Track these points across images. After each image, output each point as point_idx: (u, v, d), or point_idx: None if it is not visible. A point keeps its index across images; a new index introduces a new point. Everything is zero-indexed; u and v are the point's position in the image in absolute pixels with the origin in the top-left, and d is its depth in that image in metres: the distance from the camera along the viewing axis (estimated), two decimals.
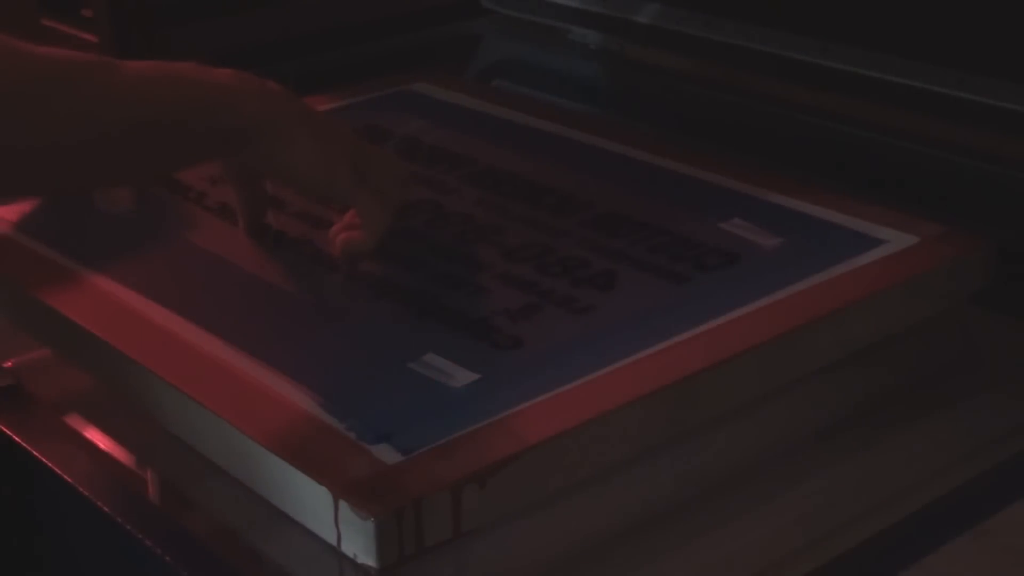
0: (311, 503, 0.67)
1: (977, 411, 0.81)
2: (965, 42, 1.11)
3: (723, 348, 0.76)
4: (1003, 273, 0.87)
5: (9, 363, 0.85)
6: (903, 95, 1.15)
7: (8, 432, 0.79)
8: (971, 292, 0.87)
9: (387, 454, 0.68)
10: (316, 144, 0.81)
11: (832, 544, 0.70)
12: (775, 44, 1.23)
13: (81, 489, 0.76)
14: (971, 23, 1.11)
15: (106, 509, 0.74)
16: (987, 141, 1.11)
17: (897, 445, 0.78)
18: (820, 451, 0.77)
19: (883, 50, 1.16)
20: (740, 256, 0.86)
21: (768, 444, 0.77)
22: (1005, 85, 1.09)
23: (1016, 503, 0.75)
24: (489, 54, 1.49)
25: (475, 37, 1.49)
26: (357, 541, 0.65)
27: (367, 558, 0.65)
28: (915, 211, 0.90)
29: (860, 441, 0.78)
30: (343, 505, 0.65)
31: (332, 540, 0.66)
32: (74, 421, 0.81)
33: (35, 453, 0.78)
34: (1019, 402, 0.82)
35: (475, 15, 1.49)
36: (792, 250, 0.87)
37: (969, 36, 1.11)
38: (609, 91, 1.38)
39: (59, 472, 0.77)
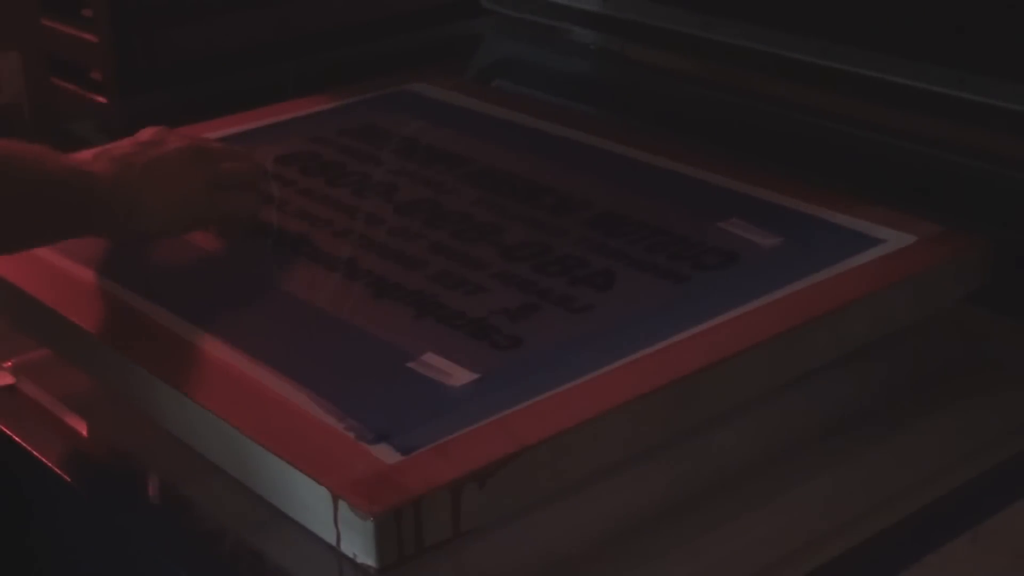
0: (311, 503, 0.67)
1: (977, 411, 0.81)
2: (965, 42, 1.11)
3: (721, 348, 0.76)
4: (1003, 273, 0.87)
5: (9, 363, 0.85)
6: (903, 95, 1.15)
7: (7, 432, 0.79)
8: (970, 292, 0.87)
9: (386, 454, 0.68)
10: (168, 196, 0.85)
11: (832, 544, 0.70)
12: (775, 44, 1.23)
13: (80, 489, 0.76)
14: (971, 23, 1.10)
15: (106, 509, 0.75)
16: (987, 141, 1.11)
17: (897, 445, 0.78)
18: (819, 451, 0.77)
19: (883, 50, 1.16)
20: (739, 255, 0.86)
21: (767, 444, 0.77)
22: (1005, 85, 1.09)
23: (1016, 503, 0.75)
24: (489, 54, 1.49)
25: (475, 37, 1.49)
26: (356, 541, 0.65)
27: (367, 558, 0.65)
28: (914, 211, 0.90)
29: (859, 441, 0.78)
30: (343, 505, 0.65)
31: (332, 540, 0.66)
32: (74, 421, 0.81)
33: (34, 453, 0.78)
34: (1019, 402, 0.82)
35: (475, 15, 1.49)
36: (791, 249, 0.87)
37: (969, 36, 1.11)
38: (609, 91, 1.38)
39: (58, 472, 0.77)
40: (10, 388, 0.83)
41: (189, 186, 0.86)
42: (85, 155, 0.84)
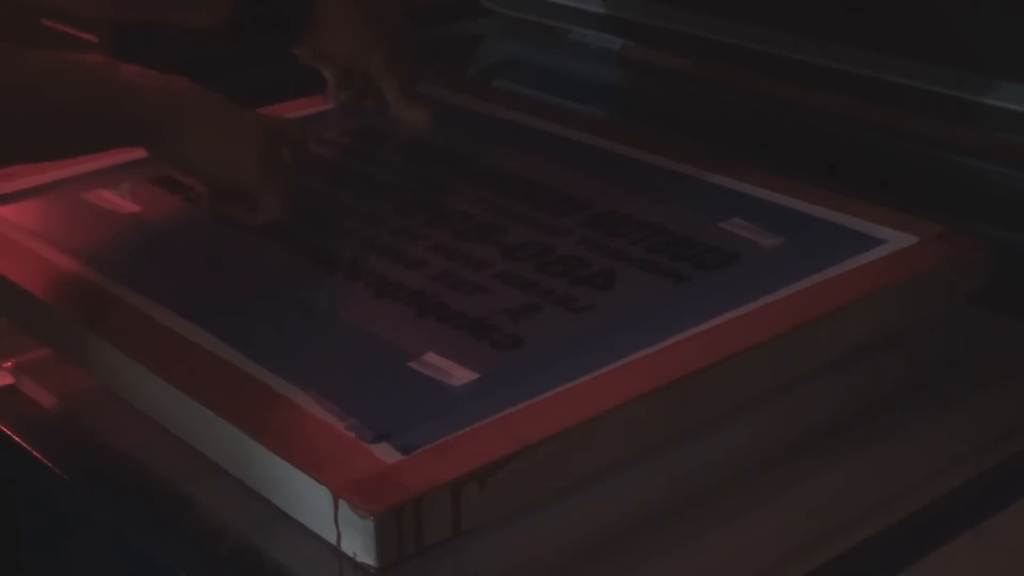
0: (311, 502, 0.67)
1: (977, 411, 0.81)
2: (965, 42, 1.11)
3: (722, 348, 0.76)
4: (1003, 273, 0.87)
5: (9, 363, 0.85)
6: (903, 95, 1.15)
7: (7, 432, 0.79)
8: (970, 292, 0.87)
9: (387, 453, 0.68)
10: (217, 136, 0.87)
11: (832, 544, 0.70)
12: (775, 44, 1.23)
13: (80, 489, 0.76)
14: (970, 23, 1.11)
15: (106, 509, 0.74)
16: (987, 141, 1.11)
17: (897, 445, 0.78)
18: (819, 451, 0.77)
19: (883, 50, 1.16)
20: (739, 255, 0.86)
21: (767, 444, 0.77)
22: (1005, 85, 1.09)
23: (1016, 503, 0.75)
24: (489, 54, 1.49)
25: (475, 37, 1.49)
26: (357, 540, 0.65)
27: (367, 557, 0.65)
28: (915, 211, 0.90)
29: (860, 441, 0.78)
30: (343, 504, 0.65)
31: (332, 539, 0.66)
32: (74, 421, 0.81)
33: (34, 453, 0.78)
34: (1019, 402, 0.82)
35: (475, 15, 1.49)
36: (791, 250, 0.87)
37: (969, 36, 1.11)
38: (609, 91, 1.38)
39: (58, 472, 0.77)
40: (10, 388, 0.83)
41: (243, 144, 0.88)
42: (150, 74, 0.86)
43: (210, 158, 0.88)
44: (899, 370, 0.84)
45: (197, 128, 0.87)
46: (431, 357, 0.75)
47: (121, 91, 0.84)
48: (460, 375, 0.74)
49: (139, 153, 0.91)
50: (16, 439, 0.79)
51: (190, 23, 1.02)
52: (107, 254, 0.88)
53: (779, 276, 0.83)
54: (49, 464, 0.77)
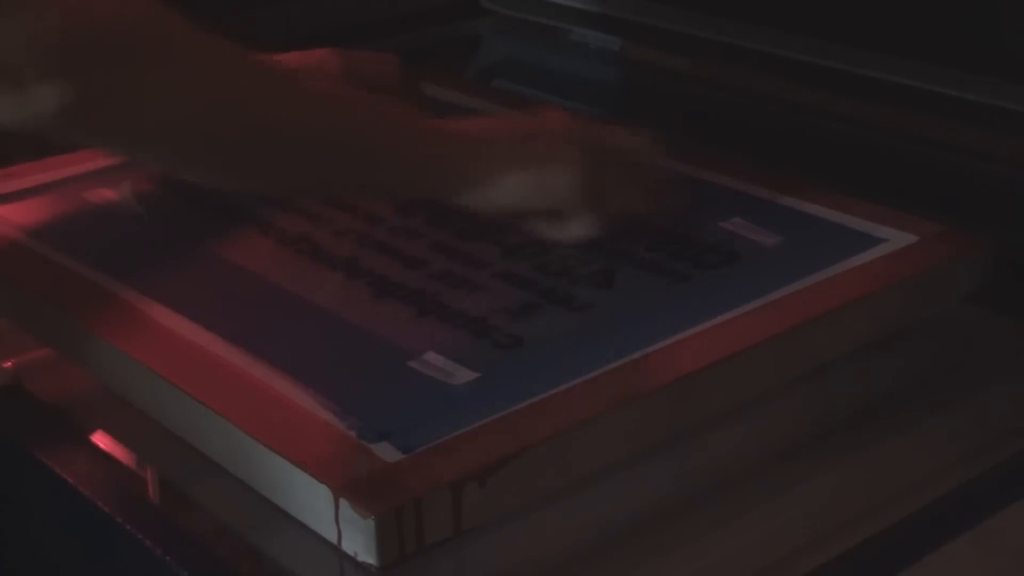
0: (312, 502, 0.67)
1: (977, 411, 0.81)
2: (965, 42, 1.11)
3: (722, 347, 0.76)
4: (1003, 273, 0.87)
5: (9, 363, 0.85)
6: (903, 95, 1.15)
7: (7, 432, 0.79)
8: (970, 291, 0.87)
9: (388, 453, 0.68)
10: (531, 175, 0.82)
11: (832, 544, 0.70)
12: (775, 44, 1.23)
13: (81, 489, 0.76)
14: (971, 23, 1.11)
15: (106, 509, 0.74)
16: (987, 141, 1.11)
17: (897, 445, 0.78)
18: (820, 451, 0.77)
19: (883, 50, 1.16)
20: (740, 255, 0.86)
21: (767, 444, 0.77)
22: (1005, 85, 1.09)
23: (1016, 503, 0.75)
24: (489, 54, 1.49)
25: (475, 37, 1.49)
26: (357, 539, 0.65)
27: (367, 556, 0.65)
28: (915, 211, 0.90)
29: (860, 441, 0.78)
30: (343, 503, 0.65)
31: (333, 538, 0.66)
32: (74, 421, 0.81)
33: (35, 453, 0.78)
34: (1018, 402, 0.82)
35: (475, 15, 1.49)
36: (792, 249, 0.87)
37: (969, 36, 1.11)
38: (609, 91, 1.38)
39: (59, 472, 0.77)
40: (10, 388, 0.83)
41: (561, 177, 0.83)
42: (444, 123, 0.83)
43: (523, 197, 0.83)
44: (898, 369, 0.84)
45: (508, 173, 0.82)
46: (431, 356, 0.75)
47: (426, 138, 0.81)
48: (460, 375, 0.74)
49: None
50: (17, 439, 0.79)
51: None
52: (107, 254, 0.88)
53: (779, 275, 0.83)
54: (50, 464, 0.77)
